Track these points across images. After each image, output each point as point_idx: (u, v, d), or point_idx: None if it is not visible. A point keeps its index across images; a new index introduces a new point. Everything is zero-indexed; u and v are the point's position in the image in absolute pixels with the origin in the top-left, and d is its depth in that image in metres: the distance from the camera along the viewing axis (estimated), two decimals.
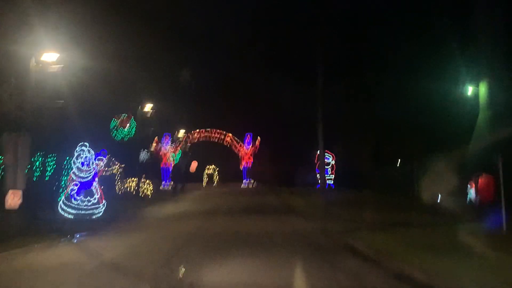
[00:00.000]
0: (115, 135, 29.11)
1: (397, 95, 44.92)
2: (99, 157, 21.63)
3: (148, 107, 27.94)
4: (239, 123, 58.71)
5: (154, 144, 55.22)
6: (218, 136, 57.61)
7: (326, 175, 41.48)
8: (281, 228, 15.46)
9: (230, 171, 60.02)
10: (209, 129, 57.26)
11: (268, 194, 34.79)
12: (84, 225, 17.24)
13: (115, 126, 28.90)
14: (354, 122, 46.55)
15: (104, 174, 32.00)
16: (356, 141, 45.81)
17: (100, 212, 20.67)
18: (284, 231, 14.78)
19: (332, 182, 41.56)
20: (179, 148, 54.82)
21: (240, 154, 57.44)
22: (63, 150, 22.01)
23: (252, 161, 57.13)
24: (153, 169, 57.29)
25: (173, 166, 55.09)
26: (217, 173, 64.30)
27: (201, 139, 57.71)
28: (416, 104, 39.69)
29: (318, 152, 42.00)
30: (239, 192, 39.35)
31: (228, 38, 56.79)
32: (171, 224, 17.03)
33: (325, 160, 41.88)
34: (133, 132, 29.02)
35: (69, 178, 21.51)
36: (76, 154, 21.12)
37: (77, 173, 21.14)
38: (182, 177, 49.25)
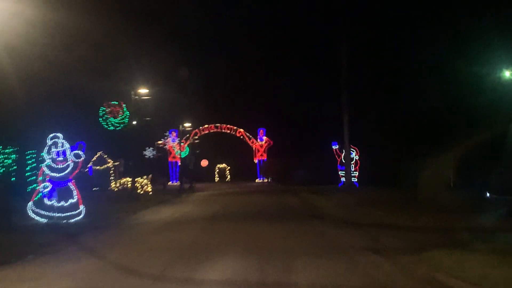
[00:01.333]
0: (105, 125, 24.54)
1: (428, 81, 40.26)
2: (75, 151, 17.12)
3: (144, 93, 23.23)
4: (251, 117, 54.21)
5: (160, 141, 51.05)
6: (229, 131, 53.04)
7: (345, 173, 36.80)
8: (310, 244, 10.67)
9: (243, 167, 55.47)
10: (218, 125, 52.66)
11: (285, 193, 29.99)
12: (48, 236, 12.80)
13: (104, 114, 24.33)
14: (379, 113, 41.71)
15: (96, 169, 27.64)
16: (381, 133, 40.95)
17: (79, 216, 16.37)
18: (315, 250, 10.00)
19: (356, 179, 36.61)
20: (186, 145, 50.31)
21: (254, 147, 52.77)
22: (26, 140, 17.69)
23: (266, 157, 52.57)
24: (160, 165, 53.15)
25: (181, 163, 50.82)
26: (229, 170, 59.95)
27: (210, 135, 53.19)
28: (449, 91, 35.69)
29: (337, 146, 37.32)
30: (252, 191, 34.64)
31: (239, 26, 52.29)
32: (159, 237, 12.32)
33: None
34: (126, 122, 24.44)
35: (39, 175, 17.19)
36: (47, 147, 16.84)
37: (49, 170, 16.79)
38: (190, 175, 44.80)
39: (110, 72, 22.74)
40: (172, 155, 51.63)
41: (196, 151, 48.85)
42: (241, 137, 53.08)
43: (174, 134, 51.18)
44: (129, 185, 26.32)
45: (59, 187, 16.93)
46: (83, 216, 16.56)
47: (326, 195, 26.54)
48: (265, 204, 22.20)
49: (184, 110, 40.65)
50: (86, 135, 25.58)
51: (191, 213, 18.49)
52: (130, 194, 23.82)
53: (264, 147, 52.64)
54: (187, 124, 41.25)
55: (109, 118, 24.10)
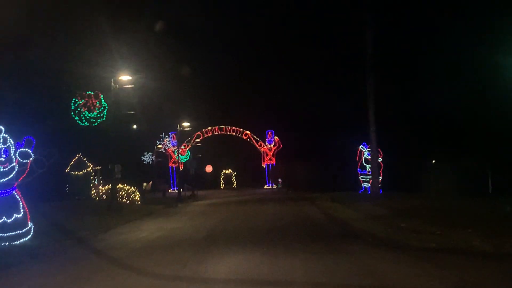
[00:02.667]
0: (79, 120, 19.88)
1: (456, 75, 35.55)
2: (21, 149, 12.59)
3: (126, 80, 18.35)
4: (258, 119, 49.52)
5: (160, 145, 46.66)
6: (234, 133, 48.37)
7: (371, 176, 32.06)
8: None
9: (250, 173, 50.77)
10: (223, 127, 47.97)
11: (300, 201, 25.20)
12: None
13: (77, 107, 19.66)
14: (402, 112, 36.94)
15: (75, 175, 22.99)
16: (403, 134, 36.12)
17: (27, 236, 11.94)
18: None
19: (380, 185, 31.75)
20: (187, 148, 45.70)
21: (262, 150, 48.03)
22: None
23: (274, 161, 47.79)
24: (161, 171, 48.65)
25: (182, 169, 46.35)
26: (235, 175, 55.31)
27: (214, 138, 48.53)
28: (482, 88, 31.30)
29: (361, 148, 32.59)
30: (260, 198, 29.89)
31: (244, 17, 47.82)
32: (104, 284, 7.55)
33: (369, 156, 32.31)
34: (105, 116, 19.78)
35: None
36: None
37: None
38: (191, 181, 40.17)
39: (88, 57, 18.24)
40: (172, 160, 47.03)
41: (198, 155, 44.21)
42: (248, 139, 48.42)
43: (174, 137, 46.62)
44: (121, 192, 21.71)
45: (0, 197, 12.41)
46: (32, 236, 12.04)
47: (349, 204, 21.70)
48: (277, 216, 17.41)
49: (183, 109, 36.05)
50: (61, 134, 21.01)
51: (179, 231, 13.72)
52: (109, 204, 19.11)
53: (272, 150, 47.93)
54: (186, 124, 36.48)
55: (83, 111, 19.48)
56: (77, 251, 10.66)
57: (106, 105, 19.68)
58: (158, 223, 15.96)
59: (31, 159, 12.61)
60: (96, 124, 19.78)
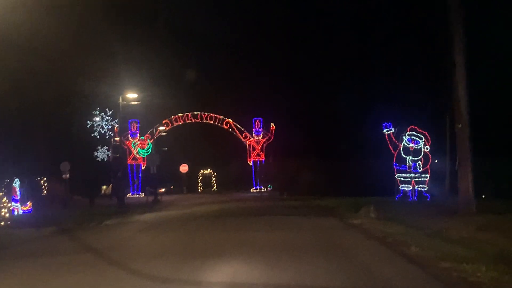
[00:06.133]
0: None
1: None
2: None
3: None
4: (243, 103, 38.38)
5: (117, 138, 35.26)
6: (213, 122, 36.99)
7: (413, 174, 21.24)
8: None
9: (233, 172, 39.42)
10: (197, 113, 36.50)
11: (315, 216, 13.94)
12: None
13: None
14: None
15: None
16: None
17: None
18: None
19: (426, 187, 20.74)
20: (149, 141, 34.29)
21: (247, 143, 36.75)
22: None
23: (263, 157, 36.66)
24: (119, 171, 37.33)
25: (145, 166, 34.97)
26: (215, 176, 44.15)
27: (186, 127, 37.09)
28: None
29: (392, 130, 21.73)
30: (248, 209, 18.45)
31: None
32: None
33: (410, 144, 21.39)
34: None
35: None
36: None
37: None
38: (153, 183, 28.91)
39: None
40: (132, 156, 35.50)
41: (164, 148, 32.79)
42: (230, 130, 37.07)
43: (135, 125, 35.16)
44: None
45: None
46: None
47: (427, 227, 10.53)
48: (300, 269, 6.13)
49: (133, 77, 24.36)
50: None
51: None
52: None
53: (261, 143, 36.71)
54: (131, 96, 24.66)
55: None
56: None
57: None
58: None
59: None
60: None
